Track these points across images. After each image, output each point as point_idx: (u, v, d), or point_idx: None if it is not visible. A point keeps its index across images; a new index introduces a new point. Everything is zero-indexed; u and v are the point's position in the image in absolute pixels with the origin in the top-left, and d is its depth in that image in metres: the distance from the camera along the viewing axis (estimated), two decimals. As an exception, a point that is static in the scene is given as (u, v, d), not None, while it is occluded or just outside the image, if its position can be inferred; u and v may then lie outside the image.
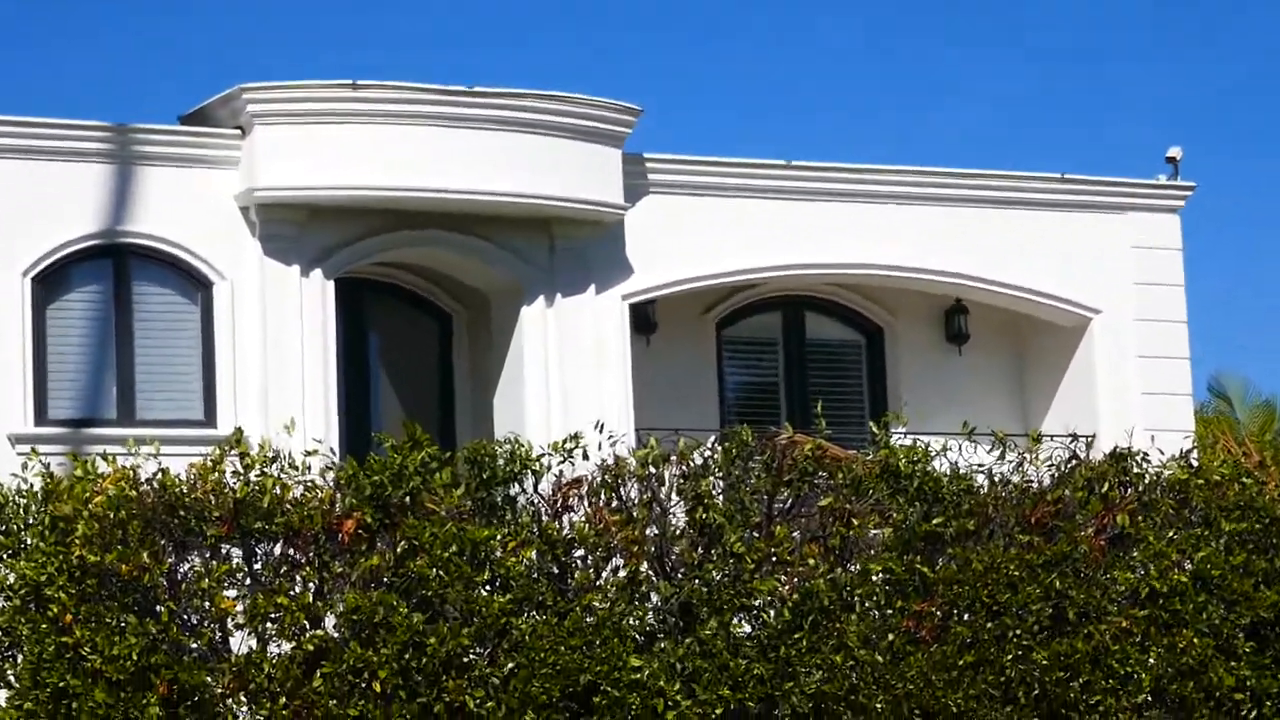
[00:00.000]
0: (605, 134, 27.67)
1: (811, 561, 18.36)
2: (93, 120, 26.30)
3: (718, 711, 17.80)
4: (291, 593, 17.24)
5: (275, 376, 26.40)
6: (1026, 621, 18.77)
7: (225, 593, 17.12)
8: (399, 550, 17.40)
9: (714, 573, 18.15)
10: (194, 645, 17.03)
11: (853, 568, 18.60)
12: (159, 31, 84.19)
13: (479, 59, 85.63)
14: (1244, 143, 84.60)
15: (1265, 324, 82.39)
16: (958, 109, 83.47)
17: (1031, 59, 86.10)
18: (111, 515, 16.78)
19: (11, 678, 16.97)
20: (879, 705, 18.24)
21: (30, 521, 17.04)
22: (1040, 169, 30.33)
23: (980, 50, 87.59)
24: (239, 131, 26.59)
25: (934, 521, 18.75)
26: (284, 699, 16.95)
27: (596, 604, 17.86)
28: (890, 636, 18.45)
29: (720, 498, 18.38)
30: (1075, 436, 22.57)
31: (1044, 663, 18.71)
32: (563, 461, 18.25)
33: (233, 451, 17.55)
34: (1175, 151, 30.27)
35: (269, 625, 17.15)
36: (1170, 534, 19.39)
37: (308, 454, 18.20)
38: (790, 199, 29.00)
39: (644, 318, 28.58)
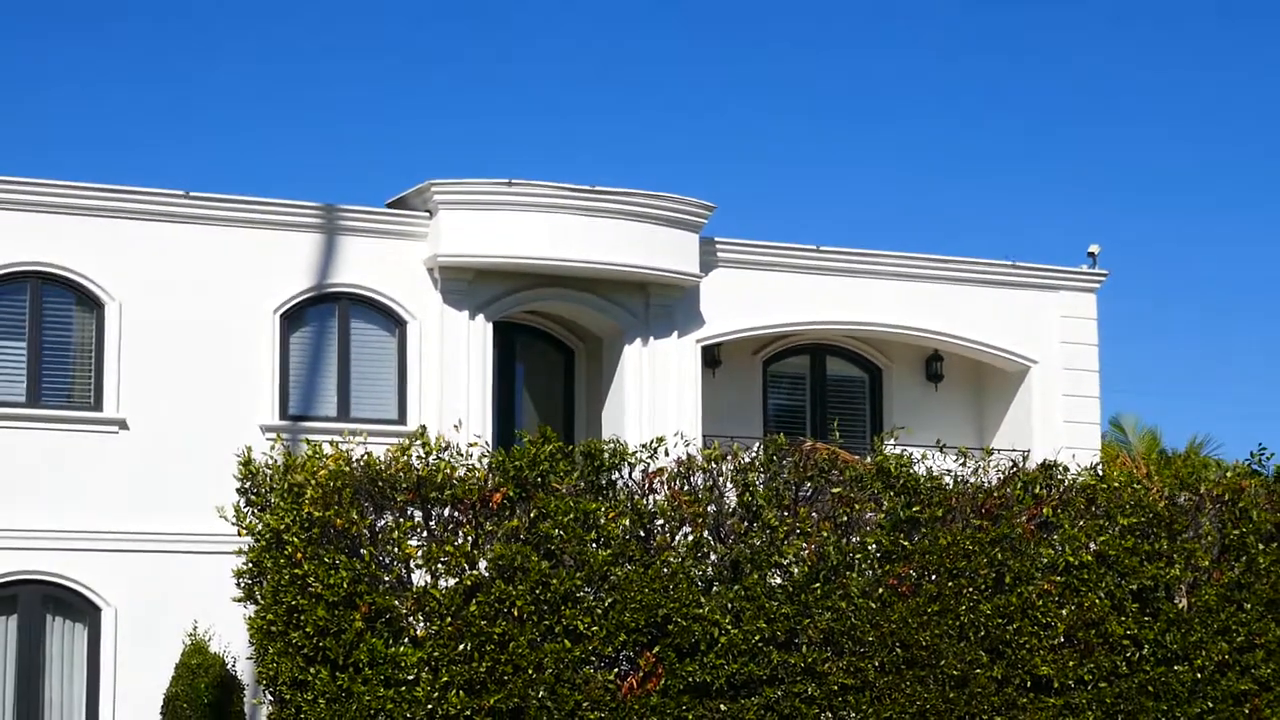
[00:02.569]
0: (688, 223, 27.68)
1: (825, 534, 18.45)
2: (318, 202, 26.43)
3: (755, 639, 17.97)
4: (455, 543, 17.39)
5: (448, 389, 26.37)
6: (976, 582, 18.86)
7: (409, 542, 17.35)
8: (532, 515, 17.49)
9: (755, 540, 18.31)
10: (386, 578, 17.18)
11: (854, 539, 18.68)
12: (359, 126, 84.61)
13: (602, 157, 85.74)
14: (1161, 233, 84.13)
15: (1155, 376, 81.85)
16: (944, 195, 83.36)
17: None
18: (331, 484, 16.94)
19: (258, 596, 17.21)
20: (870, 640, 18.35)
21: (273, 487, 17.25)
22: (995, 248, 30.32)
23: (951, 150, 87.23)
24: (428, 214, 26.74)
25: (913, 509, 18.79)
26: (449, 619, 17.12)
27: (671, 559, 17.96)
28: (880, 590, 18.53)
29: (761, 486, 18.49)
30: (1016, 451, 22.84)
31: (988, 612, 18.79)
32: (650, 456, 18.34)
33: (417, 442, 17.75)
34: (1094, 248, 30.20)
35: (439, 566, 17.33)
36: (1081, 523, 19.38)
37: (470, 445, 18.35)
38: (817, 274, 28.90)
39: (711, 356, 28.57)
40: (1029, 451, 26.19)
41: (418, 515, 17.38)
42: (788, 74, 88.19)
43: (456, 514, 17.48)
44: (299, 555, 16.81)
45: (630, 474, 18.18)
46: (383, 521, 17.27)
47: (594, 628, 17.52)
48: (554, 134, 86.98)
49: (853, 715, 18.31)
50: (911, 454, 19.52)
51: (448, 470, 17.45)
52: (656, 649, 17.71)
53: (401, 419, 25.93)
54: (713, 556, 18.26)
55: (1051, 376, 30.07)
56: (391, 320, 26.71)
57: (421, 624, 17.17)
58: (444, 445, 17.68)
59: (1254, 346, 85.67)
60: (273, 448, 17.99)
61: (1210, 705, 19.58)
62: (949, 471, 19.40)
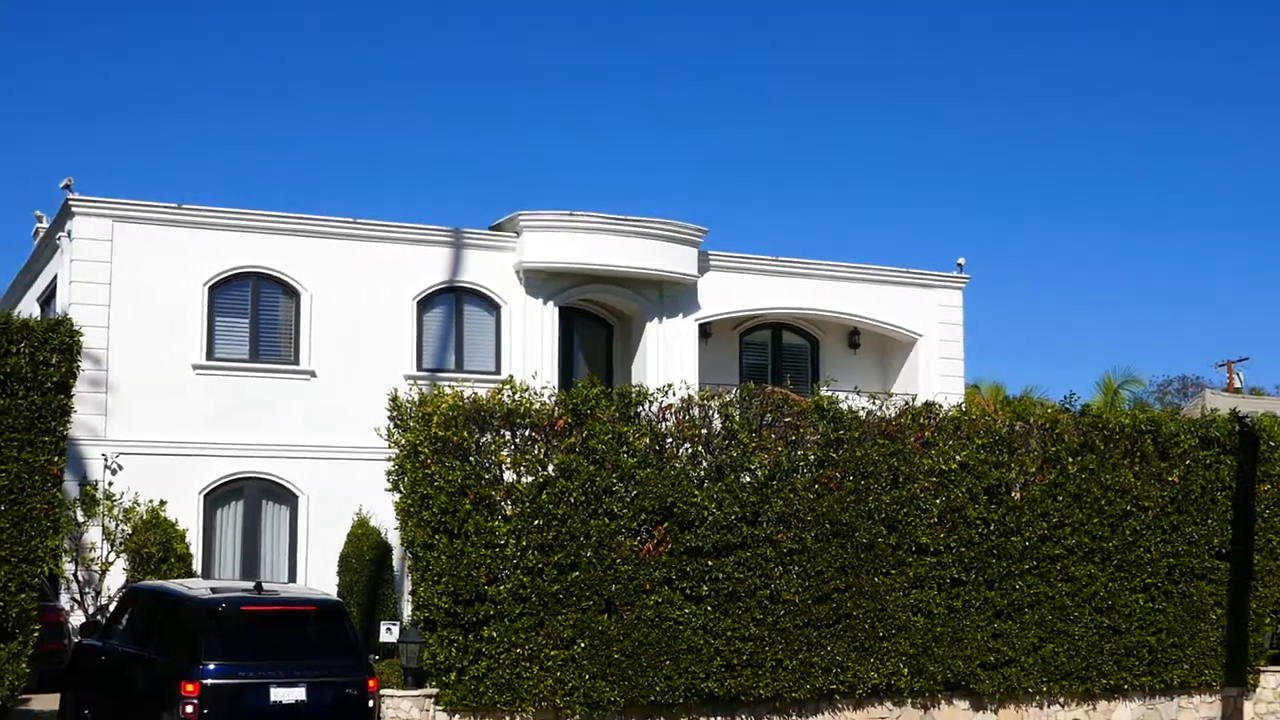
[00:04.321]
0: (689, 240, 27.57)
1: (779, 449, 18.21)
2: (436, 224, 26.49)
3: (732, 517, 17.73)
4: (532, 453, 17.15)
5: (528, 351, 26.42)
6: (880, 481, 18.63)
7: (501, 452, 17.11)
8: (583, 435, 17.27)
9: (733, 452, 18.03)
10: (485, 476, 16.89)
11: (798, 453, 18.41)
12: (463, 159, 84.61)
13: (635, 185, 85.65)
14: (1021, 241, 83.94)
15: (1005, 346, 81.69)
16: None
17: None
18: (450, 413, 16.70)
19: (401, 487, 16.96)
20: (808, 518, 18.15)
21: (412, 415, 17.07)
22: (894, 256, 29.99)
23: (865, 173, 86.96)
24: (515, 234, 26.65)
25: (838, 433, 18.57)
26: (527, 503, 16.92)
27: (676, 465, 17.70)
28: (815, 486, 18.30)
29: (737, 417, 18.28)
30: (908, 395, 22.61)
31: (887, 501, 18.61)
32: (663, 397, 18.13)
33: (507, 386, 17.55)
34: (961, 260, 29.98)
35: (521, 468, 17.10)
36: (950, 442, 19.17)
37: (542, 388, 18.17)
38: (776, 276, 28.80)
39: (705, 331, 28.36)
40: (916, 395, 26.10)
41: (507, 434, 17.14)
42: (773, 100, 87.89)
43: (533, 434, 17.21)
44: (428, 460, 16.56)
45: (649, 408, 17.90)
46: (484, 438, 17.00)
47: (624, 510, 17.31)
48: (587, 155, 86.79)
49: (796, 569, 18.16)
50: (838, 396, 19.30)
51: (527, 404, 17.18)
52: (666, 524, 17.49)
53: (497, 370, 25.85)
54: (704, 463, 17.97)
55: (931, 346, 29.99)
56: (491, 305, 26.71)
57: (509, 507, 16.95)
58: (525, 388, 17.46)
59: (1068, 322, 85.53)
60: (411, 389, 17.71)
61: (1035, 563, 19.46)
62: (863, 408, 19.18)
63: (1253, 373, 69.05)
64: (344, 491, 23.85)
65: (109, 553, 21.75)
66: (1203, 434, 20.69)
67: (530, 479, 17.09)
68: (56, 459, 15.22)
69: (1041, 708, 19.56)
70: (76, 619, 21.09)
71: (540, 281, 26.88)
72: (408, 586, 18.26)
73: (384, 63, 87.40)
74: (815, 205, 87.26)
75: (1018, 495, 19.54)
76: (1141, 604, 20.05)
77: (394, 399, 17.24)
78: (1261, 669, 20.98)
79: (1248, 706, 20.80)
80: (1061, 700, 19.69)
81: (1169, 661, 20.18)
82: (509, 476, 17.12)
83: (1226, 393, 48.30)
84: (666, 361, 27.41)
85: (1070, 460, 19.75)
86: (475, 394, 17.18)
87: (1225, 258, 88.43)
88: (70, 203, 23.92)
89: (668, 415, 17.90)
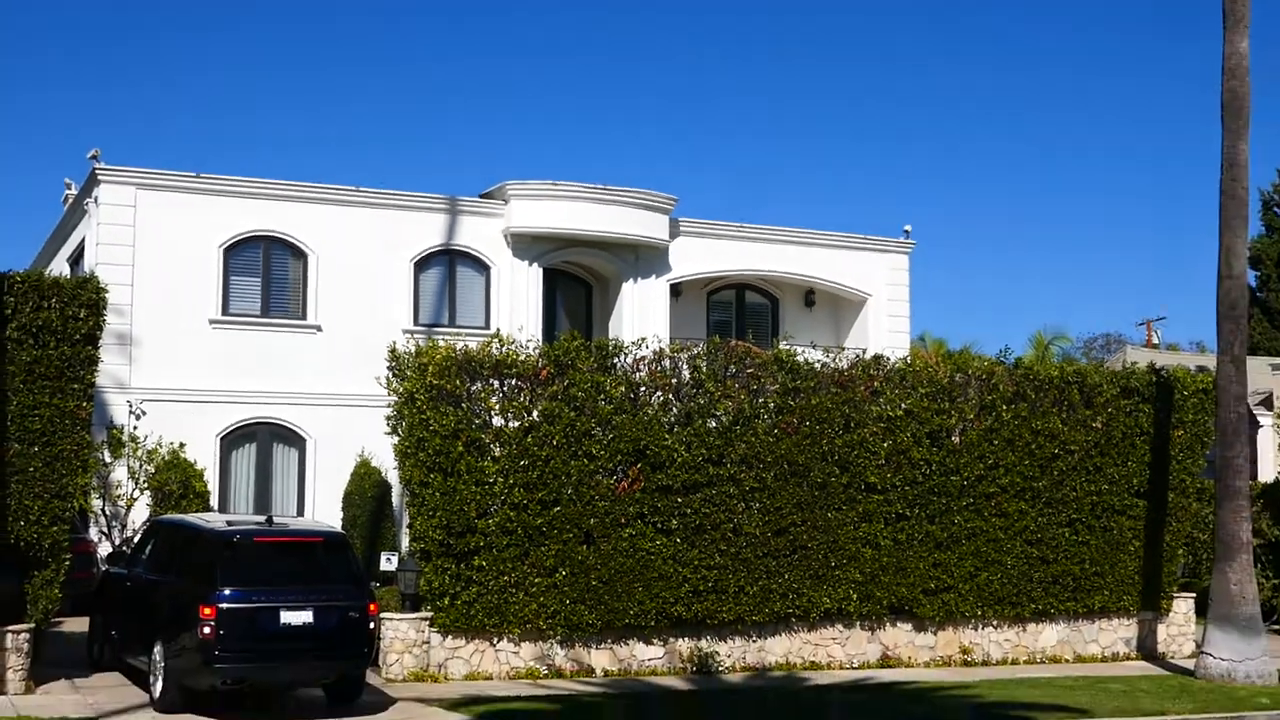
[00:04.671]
0: (661, 208, 27.48)
1: (742, 397, 18.18)
2: (437, 193, 26.33)
3: (699, 459, 17.72)
4: (518, 400, 17.07)
5: (515, 308, 26.31)
6: (833, 426, 18.65)
7: (490, 399, 17.01)
8: (565, 383, 17.23)
9: (700, 399, 17.97)
10: (476, 421, 16.80)
11: (760, 400, 18.38)
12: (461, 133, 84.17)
13: (608, 154, 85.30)
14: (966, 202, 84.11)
15: (948, 304, 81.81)
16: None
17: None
18: (444, 364, 16.60)
19: (399, 431, 16.84)
20: (768, 460, 18.16)
21: (409, 365, 16.99)
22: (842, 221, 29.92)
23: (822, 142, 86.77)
24: (504, 201, 26.51)
25: (796, 382, 18.53)
26: (514, 445, 16.88)
27: (649, 411, 17.62)
28: (775, 430, 18.29)
29: (704, 368, 18.22)
30: (859, 349, 22.59)
31: (840, 444, 18.61)
32: (637, 349, 18.11)
33: (495, 340, 17.48)
34: (908, 227, 30.00)
35: (509, 413, 17.04)
36: (896, 391, 19.17)
37: (527, 341, 18.11)
38: (740, 240, 28.74)
39: (676, 291, 28.32)
40: (866, 349, 26.09)
41: (496, 383, 17.04)
42: (750, 86, 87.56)
43: (519, 383, 17.10)
44: (424, 407, 16.49)
45: (625, 360, 17.79)
46: (474, 387, 16.91)
47: (601, 452, 17.24)
48: (568, 134, 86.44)
49: (756, 505, 18.19)
50: (795, 350, 19.28)
51: (514, 356, 17.06)
52: (639, 465, 17.44)
53: (487, 325, 25.64)
54: (674, 410, 17.89)
55: (880, 304, 29.98)
56: (481, 266, 26.62)
57: (497, 448, 16.88)
58: (512, 341, 17.34)
59: (1006, 282, 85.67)
60: (409, 342, 17.58)
61: (971, 500, 19.52)
62: (818, 360, 19.14)
63: (1169, 330, 69.46)
64: (348, 435, 23.82)
65: (133, 490, 21.73)
66: (1124, 385, 20.76)
67: (516, 423, 17.03)
68: (85, 404, 15.17)
69: (977, 630, 19.71)
70: (104, 549, 21.09)
71: (526, 245, 26.74)
72: (405, 520, 18.22)
73: (388, 44, 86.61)
74: (777, 167, 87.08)
75: (957, 439, 19.56)
76: (1067, 537, 20.16)
77: (393, 351, 17.12)
78: (1174, 595, 21.12)
79: (1160, 629, 20.98)
80: (995, 623, 19.83)
81: (1091, 589, 20.32)
82: (497, 421, 17.03)
83: (1145, 348, 48.46)
84: (640, 318, 27.34)
85: (1005, 408, 19.78)
86: (467, 347, 17.09)
87: (1146, 224, 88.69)
88: (97, 171, 23.83)
89: (641, 366, 17.83)
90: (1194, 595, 21.52)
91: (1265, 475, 28.87)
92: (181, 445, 22.12)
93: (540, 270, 26.95)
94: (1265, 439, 31.20)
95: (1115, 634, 20.71)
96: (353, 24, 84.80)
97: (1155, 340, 51.52)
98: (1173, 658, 20.69)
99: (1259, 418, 31.42)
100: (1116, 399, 20.60)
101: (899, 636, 19.18)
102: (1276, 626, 23.56)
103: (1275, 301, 48.86)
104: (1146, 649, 20.79)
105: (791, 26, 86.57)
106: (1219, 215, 18.81)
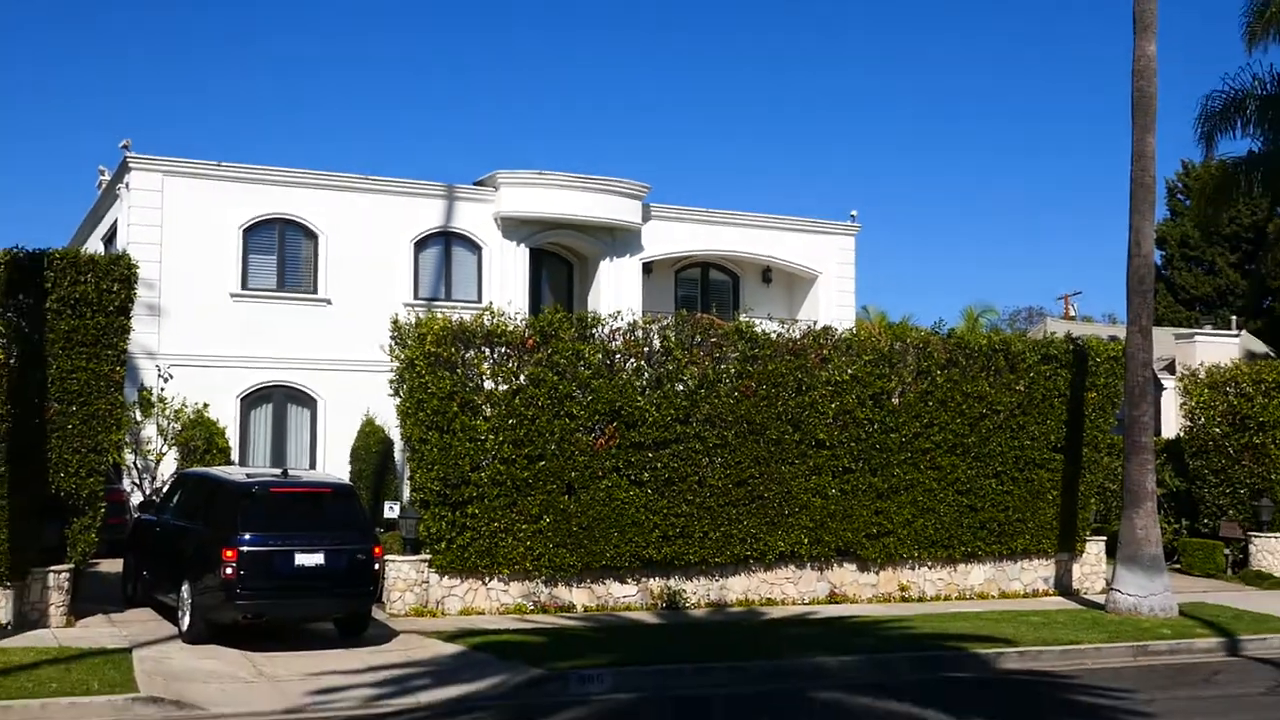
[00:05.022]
0: (635, 195, 27.47)
1: (706, 364, 18.28)
2: (435, 181, 26.32)
3: (668, 418, 17.82)
4: (507, 366, 17.10)
5: (505, 284, 26.29)
6: (787, 389, 18.75)
7: (482, 365, 17.11)
8: (549, 351, 17.27)
9: (669, 366, 18.02)
10: (469, 384, 16.85)
11: (722, 366, 18.40)
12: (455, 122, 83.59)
13: (587, 144, 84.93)
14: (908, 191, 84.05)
15: (890, 280, 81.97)
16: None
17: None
18: (441, 333, 16.62)
19: (400, 394, 16.88)
20: (729, 419, 18.24)
21: (409, 334, 17.09)
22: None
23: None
24: (495, 189, 26.51)
25: (754, 351, 18.63)
26: (503, 406, 16.97)
27: (623, 376, 17.69)
28: (735, 393, 18.36)
29: (673, 337, 18.35)
30: (810, 321, 22.70)
31: (793, 405, 18.63)
32: (613, 321, 18.13)
33: (486, 312, 17.57)
34: (854, 211, 30.12)
35: (499, 377, 17.10)
36: (843, 358, 19.30)
37: (515, 314, 18.17)
38: (705, 224, 28.78)
39: (648, 269, 28.38)
40: (817, 321, 26.16)
41: (487, 351, 17.07)
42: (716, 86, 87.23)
43: (507, 351, 17.12)
44: (423, 372, 16.54)
45: (602, 330, 17.81)
46: (468, 354, 16.93)
47: (581, 412, 17.33)
48: (554, 123, 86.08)
49: (719, 460, 18.31)
50: (754, 322, 19.39)
51: (503, 327, 17.08)
52: (614, 424, 17.52)
53: (479, 299, 25.75)
54: (646, 375, 17.94)
55: (829, 282, 30.06)
56: (474, 246, 26.62)
57: (488, 409, 16.94)
58: (501, 314, 17.39)
59: (942, 258, 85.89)
60: (409, 314, 17.59)
61: (909, 455, 19.59)
62: (774, 331, 19.23)
63: (1085, 303, 69.78)
64: (355, 397, 23.89)
65: (162, 445, 21.80)
66: (1044, 352, 20.86)
67: (505, 387, 17.09)
68: (118, 368, 15.29)
69: (914, 570, 19.92)
70: (136, 499, 21.18)
71: (514, 227, 26.77)
72: (406, 473, 18.34)
73: (391, 40, 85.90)
74: (738, 144, 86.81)
75: (896, 401, 19.60)
76: (993, 488, 20.30)
77: (395, 322, 17.13)
78: (1087, 539, 21.35)
79: (1075, 568, 21.28)
80: (929, 564, 19.99)
81: (1014, 533, 20.49)
82: (488, 385, 17.07)
83: (1064, 319, 48.90)
84: (616, 293, 27.39)
85: (939, 373, 19.85)
86: (461, 318, 17.15)
87: (1065, 209, 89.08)
88: (128, 159, 23.80)
89: (617, 336, 17.86)
90: (1105, 539, 21.72)
91: (1168, 432, 29.21)
92: (205, 406, 22.24)
93: (527, 250, 26.98)
94: (1168, 400, 31.56)
95: (1036, 573, 20.95)
96: (360, 32, 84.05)
97: (1072, 312, 51.94)
98: (1086, 594, 20.92)
99: (1163, 381, 31.80)
100: (1038, 365, 20.72)
101: (845, 576, 19.35)
102: (1177, 566, 23.92)
103: (1178, 278, 49.40)
104: (1063, 586, 21.04)
105: (742, 40, 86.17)
106: (1129, 201, 18.97)
